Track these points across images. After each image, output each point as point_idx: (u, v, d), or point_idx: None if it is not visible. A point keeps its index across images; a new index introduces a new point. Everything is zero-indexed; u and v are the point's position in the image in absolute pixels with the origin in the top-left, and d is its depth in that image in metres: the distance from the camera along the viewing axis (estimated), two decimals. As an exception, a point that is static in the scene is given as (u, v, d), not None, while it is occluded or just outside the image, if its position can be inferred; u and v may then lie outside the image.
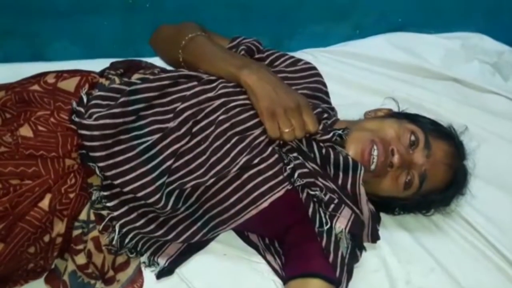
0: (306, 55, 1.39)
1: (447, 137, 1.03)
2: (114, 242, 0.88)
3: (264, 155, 0.89)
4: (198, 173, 0.87)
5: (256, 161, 0.88)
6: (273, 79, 0.92)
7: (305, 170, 0.88)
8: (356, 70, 1.38)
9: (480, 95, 1.40)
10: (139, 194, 0.83)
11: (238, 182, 0.87)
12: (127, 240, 0.89)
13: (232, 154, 0.88)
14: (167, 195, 0.85)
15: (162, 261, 0.94)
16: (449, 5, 1.46)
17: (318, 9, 1.40)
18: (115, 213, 0.86)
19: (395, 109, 1.14)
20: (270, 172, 0.88)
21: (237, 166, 0.87)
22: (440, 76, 1.41)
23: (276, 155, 0.90)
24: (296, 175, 0.88)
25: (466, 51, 1.48)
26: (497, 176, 1.19)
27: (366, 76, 1.37)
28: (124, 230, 0.87)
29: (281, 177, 0.88)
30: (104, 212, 0.87)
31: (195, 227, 0.89)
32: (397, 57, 1.42)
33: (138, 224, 0.87)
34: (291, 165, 0.88)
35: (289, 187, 0.88)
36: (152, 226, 0.88)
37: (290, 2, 1.38)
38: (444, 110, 1.28)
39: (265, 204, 0.87)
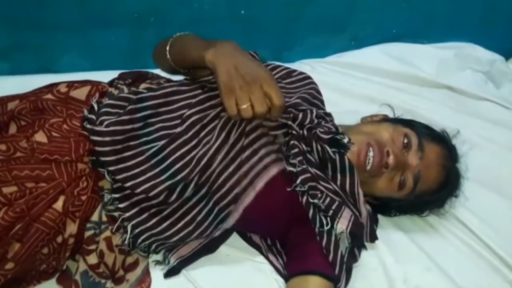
0: (305, 65, 1.42)
1: (440, 140, 1.06)
2: (126, 242, 0.90)
3: (254, 134, 0.92)
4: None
5: (249, 142, 0.92)
6: (236, 54, 0.83)
7: (308, 175, 0.91)
8: (352, 80, 1.40)
9: (474, 102, 1.42)
10: (151, 194, 0.87)
11: (237, 161, 0.91)
12: (139, 241, 0.91)
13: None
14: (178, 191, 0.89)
15: (172, 260, 0.97)
16: (441, 16, 1.48)
17: (316, 22, 1.43)
18: (127, 214, 0.89)
19: (391, 116, 1.17)
20: (264, 151, 0.92)
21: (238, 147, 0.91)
22: (435, 85, 1.43)
23: (265, 138, 0.93)
24: (298, 181, 0.90)
25: (459, 60, 1.50)
26: (490, 180, 1.22)
27: (362, 85, 1.39)
28: (137, 231, 0.90)
29: (274, 156, 0.92)
30: (116, 214, 0.90)
31: (206, 223, 0.92)
32: (392, 66, 1.43)
33: (149, 224, 0.90)
34: (297, 169, 0.91)
35: (288, 168, 0.92)
36: (164, 225, 0.90)
37: (290, 16, 1.40)
38: (438, 117, 1.29)
39: (261, 184, 0.90)
